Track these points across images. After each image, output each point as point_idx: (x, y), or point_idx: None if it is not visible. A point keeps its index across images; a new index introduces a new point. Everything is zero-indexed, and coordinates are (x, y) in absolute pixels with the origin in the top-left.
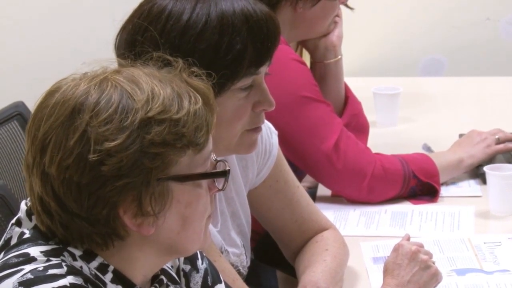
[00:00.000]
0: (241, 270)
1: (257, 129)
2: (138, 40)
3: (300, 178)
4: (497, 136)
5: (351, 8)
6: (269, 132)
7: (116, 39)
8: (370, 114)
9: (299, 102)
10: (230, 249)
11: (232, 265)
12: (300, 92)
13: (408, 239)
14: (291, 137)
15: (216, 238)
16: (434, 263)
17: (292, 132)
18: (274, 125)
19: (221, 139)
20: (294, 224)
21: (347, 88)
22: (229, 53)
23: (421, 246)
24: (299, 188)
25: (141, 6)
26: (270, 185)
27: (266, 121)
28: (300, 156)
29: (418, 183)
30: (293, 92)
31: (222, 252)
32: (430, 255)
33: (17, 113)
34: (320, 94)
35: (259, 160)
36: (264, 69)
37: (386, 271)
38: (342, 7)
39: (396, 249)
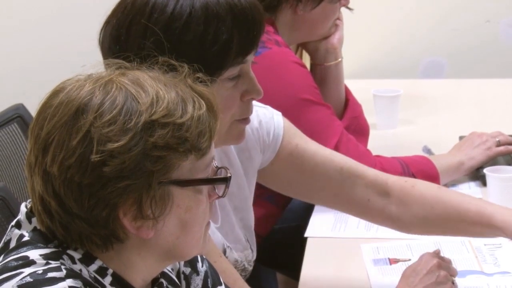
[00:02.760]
0: (246, 265)
1: (246, 119)
2: (123, 34)
3: None
4: (497, 139)
5: (350, 9)
6: (270, 115)
7: (100, 34)
8: (370, 116)
9: (299, 105)
10: (232, 245)
11: (237, 261)
12: (300, 94)
13: (438, 253)
14: None
15: (216, 235)
16: (453, 282)
17: None
18: None
19: None
20: (341, 172)
21: (347, 91)
22: (215, 43)
23: (448, 262)
24: (326, 149)
25: (124, 0)
26: (290, 153)
27: (266, 108)
28: None
29: None
30: (293, 94)
31: (224, 249)
32: (452, 272)
33: (17, 115)
34: (320, 97)
35: (260, 143)
36: (250, 58)
37: (403, 276)
38: (342, 9)
39: (420, 258)
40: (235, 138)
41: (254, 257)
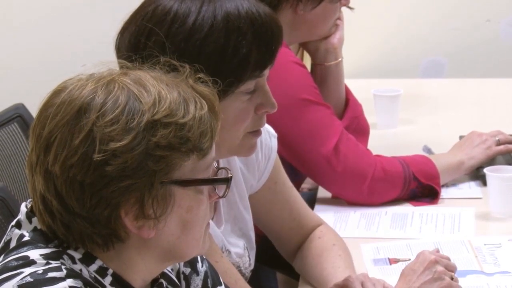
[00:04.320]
0: (243, 271)
1: (258, 132)
2: (142, 42)
3: (300, 182)
4: (497, 138)
5: (351, 8)
6: (268, 136)
7: (117, 40)
8: (370, 116)
9: (299, 105)
10: (232, 249)
11: (234, 265)
12: (300, 94)
13: (437, 251)
14: (291, 140)
15: (218, 238)
16: (452, 278)
17: (292, 134)
18: (274, 128)
19: (223, 142)
20: (293, 222)
21: (347, 91)
22: (235, 56)
23: (447, 258)
24: (293, 188)
25: (144, 7)
26: (269, 187)
27: (265, 124)
28: (300, 159)
29: (418, 185)
30: (293, 94)
31: (223, 252)
32: (451, 268)
33: (18, 115)
34: (320, 97)
35: (260, 165)
36: (267, 72)
37: (401, 275)
38: (343, 8)
39: (417, 256)
40: (246, 150)
41: (252, 266)
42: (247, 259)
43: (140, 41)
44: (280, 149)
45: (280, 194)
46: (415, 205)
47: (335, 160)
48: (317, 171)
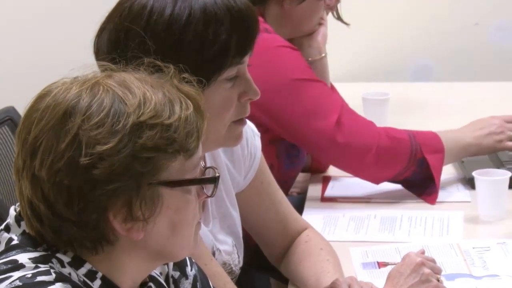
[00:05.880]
0: (234, 268)
1: (242, 120)
2: (122, 38)
3: (288, 186)
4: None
5: (347, 24)
6: (252, 134)
7: (95, 41)
8: None
9: (293, 86)
10: (222, 247)
11: (225, 263)
12: (293, 75)
13: (423, 252)
14: (291, 121)
15: (207, 237)
16: (438, 279)
17: (291, 115)
18: (273, 113)
19: (209, 133)
20: (279, 224)
21: (334, 89)
22: (214, 43)
23: (432, 260)
24: (279, 190)
25: (120, 5)
26: (255, 187)
27: (249, 122)
28: (303, 138)
29: (423, 159)
30: (286, 76)
31: (214, 251)
32: (437, 270)
33: (8, 118)
34: (313, 74)
35: (246, 162)
36: (247, 59)
37: (388, 278)
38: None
39: (404, 258)
40: (233, 140)
41: (241, 264)
42: (236, 256)
43: (120, 38)
44: (284, 135)
45: (266, 195)
46: (414, 193)
47: (340, 134)
48: (321, 148)
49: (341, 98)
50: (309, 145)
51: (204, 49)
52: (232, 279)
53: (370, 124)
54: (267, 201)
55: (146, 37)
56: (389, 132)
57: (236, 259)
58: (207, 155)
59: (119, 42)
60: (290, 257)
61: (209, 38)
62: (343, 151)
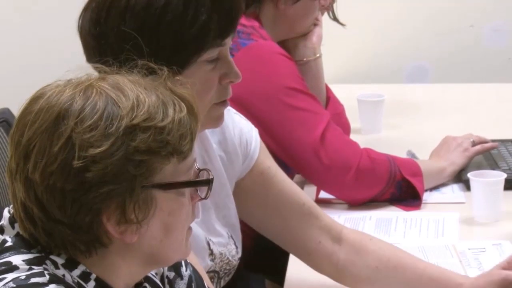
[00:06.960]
0: (231, 259)
1: (224, 102)
2: (103, 17)
3: None
4: (471, 139)
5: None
6: (249, 127)
7: (79, 20)
8: (354, 121)
9: (285, 93)
10: (215, 239)
11: (221, 254)
12: (286, 83)
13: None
14: (277, 129)
15: (197, 230)
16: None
17: (278, 123)
18: (261, 118)
19: None
20: (303, 207)
21: (328, 89)
22: (194, 24)
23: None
24: (289, 180)
25: None
26: (262, 172)
27: (247, 121)
28: (287, 150)
29: (403, 179)
30: (280, 83)
31: (208, 242)
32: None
33: (3, 119)
34: (306, 87)
35: (242, 149)
36: (229, 41)
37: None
38: (325, 16)
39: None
40: (214, 121)
41: (239, 254)
42: (233, 247)
43: (101, 16)
44: (268, 143)
45: (278, 177)
46: (399, 208)
47: (323, 150)
48: (303, 162)
49: (329, 115)
50: (292, 155)
51: (183, 30)
52: (230, 269)
53: (354, 144)
54: (282, 182)
55: (126, 16)
56: (370, 153)
57: (234, 250)
58: (199, 147)
59: (99, 20)
60: (368, 263)
61: (188, 18)
62: (324, 167)
